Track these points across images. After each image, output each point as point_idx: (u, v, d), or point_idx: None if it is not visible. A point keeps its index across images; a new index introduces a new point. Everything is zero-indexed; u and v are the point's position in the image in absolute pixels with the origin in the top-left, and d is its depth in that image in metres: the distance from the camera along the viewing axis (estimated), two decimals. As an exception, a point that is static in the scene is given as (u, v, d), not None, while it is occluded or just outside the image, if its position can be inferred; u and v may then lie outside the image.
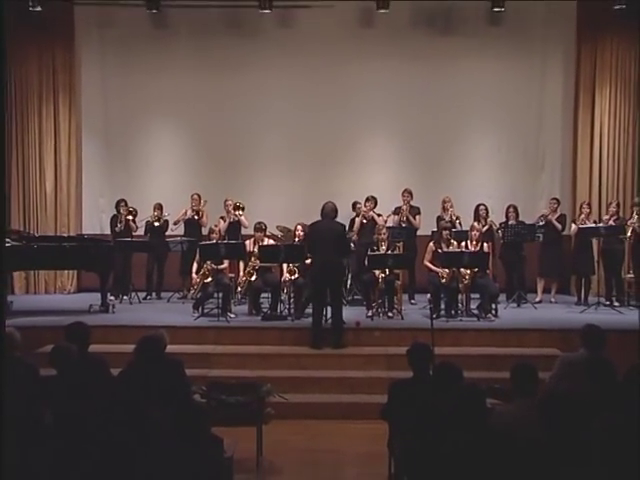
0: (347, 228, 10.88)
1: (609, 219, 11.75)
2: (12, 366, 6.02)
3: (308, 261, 10.39)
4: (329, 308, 9.96)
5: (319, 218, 9.98)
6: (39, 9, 12.35)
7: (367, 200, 12.03)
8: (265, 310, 10.92)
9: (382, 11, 12.68)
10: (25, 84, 13.39)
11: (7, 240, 11.30)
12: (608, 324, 8.84)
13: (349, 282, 11.85)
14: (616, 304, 11.61)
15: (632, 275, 11.87)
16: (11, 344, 6.25)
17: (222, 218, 12.20)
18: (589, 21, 13.07)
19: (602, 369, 6.16)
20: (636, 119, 13.05)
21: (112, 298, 11.73)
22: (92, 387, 5.27)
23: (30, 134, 13.43)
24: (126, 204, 12.55)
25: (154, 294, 12.59)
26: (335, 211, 9.98)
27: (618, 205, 12.03)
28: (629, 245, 11.79)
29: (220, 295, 10.65)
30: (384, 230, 11.12)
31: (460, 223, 12.00)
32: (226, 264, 11.23)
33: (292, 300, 10.75)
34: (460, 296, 10.82)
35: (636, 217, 11.69)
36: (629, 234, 11.59)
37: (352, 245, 11.45)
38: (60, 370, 5.79)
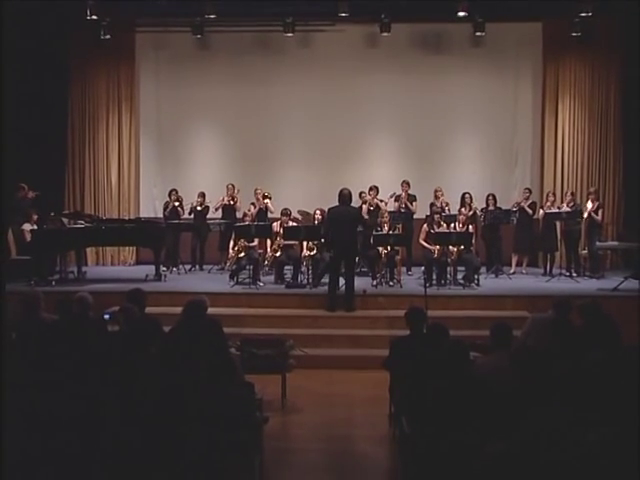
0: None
1: (566, 205, 11.70)
2: (86, 323, 6.08)
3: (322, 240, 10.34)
4: (341, 278, 9.90)
5: (335, 203, 9.87)
6: (108, 37, 12.67)
7: (370, 189, 11.95)
8: (288, 280, 10.90)
9: (385, 34, 12.68)
10: (96, 96, 13.42)
11: (81, 222, 11.47)
12: (567, 291, 8.80)
13: (357, 257, 11.80)
14: (574, 275, 11.54)
15: (586, 251, 11.86)
16: (85, 306, 6.29)
17: (253, 204, 12.17)
18: (553, 45, 13.07)
19: (564, 327, 6.17)
20: (590, 124, 13.01)
21: (164, 269, 11.73)
22: (148, 340, 5.27)
23: (99, 136, 13.45)
24: (177, 193, 12.55)
25: (197, 266, 12.55)
26: (350, 197, 9.94)
27: (572, 194, 12.02)
28: (585, 227, 11.75)
29: (251, 267, 10.66)
30: (386, 214, 11.11)
31: (449, 209, 11.92)
32: (256, 242, 11.21)
33: (310, 272, 10.74)
34: (449, 268, 10.78)
35: (590, 204, 11.67)
36: (585, 217, 11.56)
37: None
38: (125, 326, 5.79)
